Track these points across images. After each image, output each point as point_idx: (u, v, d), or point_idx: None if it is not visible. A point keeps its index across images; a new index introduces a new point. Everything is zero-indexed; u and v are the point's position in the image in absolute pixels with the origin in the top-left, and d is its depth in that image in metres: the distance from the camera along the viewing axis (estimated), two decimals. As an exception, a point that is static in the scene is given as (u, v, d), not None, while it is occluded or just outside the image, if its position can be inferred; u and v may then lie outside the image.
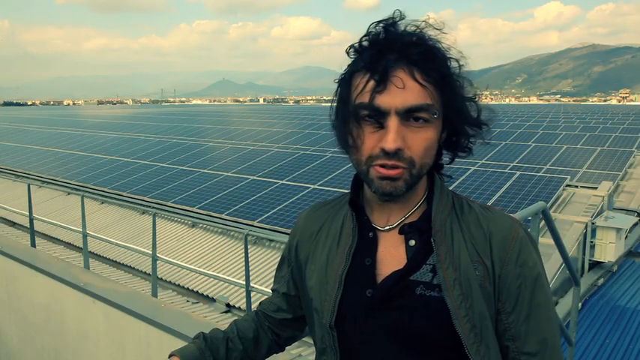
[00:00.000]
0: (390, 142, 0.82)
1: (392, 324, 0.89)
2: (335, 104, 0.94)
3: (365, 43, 0.88)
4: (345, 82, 0.90)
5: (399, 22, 0.87)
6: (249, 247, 5.20)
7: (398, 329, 0.89)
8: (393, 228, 0.95)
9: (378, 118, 0.84)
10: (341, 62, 0.92)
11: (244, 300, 5.16)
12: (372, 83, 0.84)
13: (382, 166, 0.85)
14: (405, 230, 0.93)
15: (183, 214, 8.00)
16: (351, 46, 0.90)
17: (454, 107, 0.88)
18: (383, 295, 0.90)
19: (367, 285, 0.92)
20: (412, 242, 0.92)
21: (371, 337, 0.91)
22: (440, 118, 0.87)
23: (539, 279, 0.91)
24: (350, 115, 0.87)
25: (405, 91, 0.82)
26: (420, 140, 0.85)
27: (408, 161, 0.85)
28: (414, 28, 0.86)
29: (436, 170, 0.98)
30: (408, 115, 0.83)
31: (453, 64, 0.88)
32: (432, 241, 0.90)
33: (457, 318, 0.85)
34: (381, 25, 0.87)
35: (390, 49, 0.84)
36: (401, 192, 0.87)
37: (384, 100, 0.83)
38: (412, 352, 0.89)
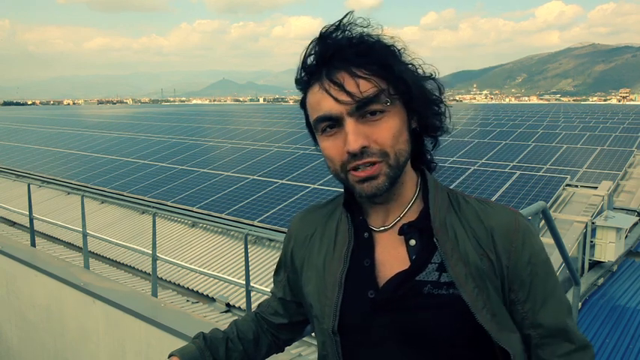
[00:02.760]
0: (352, 142, 0.83)
1: (400, 325, 0.88)
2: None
3: (308, 60, 0.90)
4: (303, 103, 0.94)
5: (334, 28, 0.88)
6: (249, 246, 5.20)
7: (407, 329, 0.88)
8: (390, 228, 0.94)
9: (337, 125, 0.86)
10: None
11: (244, 300, 5.16)
12: (319, 94, 0.86)
13: (356, 168, 0.86)
14: (405, 230, 0.92)
15: (183, 214, 8.00)
16: (299, 70, 0.92)
17: (406, 91, 0.87)
18: (389, 296, 0.89)
19: (368, 286, 0.91)
20: (412, 242, 0.91)
21: (377, 339, 0.90)
22: (397, 104, 0.87)
23: (547, 263, 0.93)
24: (316, 133, 0.91)
25: (350, 88, 0.83)
26: (384, 130, 0.85)
27: (380, 154, 0.85)
28: (344, 30, 0.88)
29: (422, 162, 0.98)
30: (362, 111, 0.84)
31: (394, 50, 0.88)
32: (435, 240, 0.89)
33: (477, 311, 0.86)
34: (315, 39, 0.89)
35: (327, 56, 0.86)
36: (384, 188, 0.87)
37: (332, 106, 0.84)
38: (421, 351, 0.89)
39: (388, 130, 0.85)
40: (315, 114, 0.88)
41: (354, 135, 0.83)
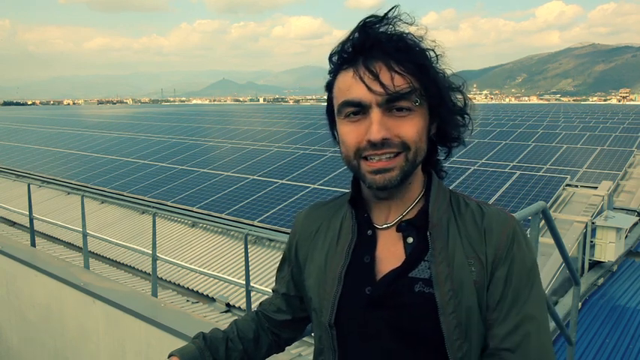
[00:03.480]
0: (375, 132, 0.84)
1: (392, 321, 0.89)
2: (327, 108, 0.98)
3: (345, 45, 0.90)
4: (330, 85, 0.94)
5: (377, 19, 0.89)
6: (249, 246, 5.20)
7: (398, 326, 0.89)
8: (392, 226, 0.95)
9: (362, 112, 0.86)
10: None
11: (244, 300, 5.16)
12: (351, 80, 0.87)
13: (371, 157, 0.86)
14: (403, 227, 0.93)
15: (183, 214, 8.00)
16: (333, 51, 0.92)
17: (436, 95, 0.89)
18: (381, 292, 0.90)
19: (366, 282, 0.92)
20: (410, 239, 0.92)
21: (371, 334, 0.92)
22: (424, 106, 0.88)
23: (529, 275, 0.90)
24: (337, 114, 0.91)
25: (384, 80, 0.84)
26: (408, 126, 0.86)
27: (401, 145, 0.86)
28: (387, 24, 0.88)
29: (432, 166, 1.00)
30: (390, 105, 0.85)
31: (431, 54, 0.90)
32: (429, 234, 0.91)
33: (444, 314, 0.86)
34: (357, 25, 0.90)
35: (367, 45, 0.87)
36: (395, 182, 0.87)
37: (364, 94, 0.85)
38: (413, 348, 0.89)
39: (412, 127, 0.87)
40: (343, 97, 0.88)
41: (378, 125, 0.84)
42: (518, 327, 0.87)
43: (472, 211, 0.94)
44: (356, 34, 0.89)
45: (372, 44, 0.87)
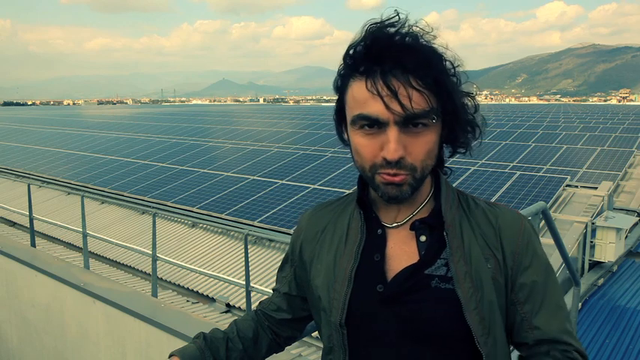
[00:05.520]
0: (392, 152, 0.84)
1: (407, 317, 0.90)
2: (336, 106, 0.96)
3: (360, 49, 0.87)
4: (342, 88, 0.92)
5: (394, 25, 0.87)
6: (249, 247, 5.20)
7: (413, 322, 0.90)
8: (402, 225, 0.96)
9: (378, 126, 0.85)
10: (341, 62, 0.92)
11: (244, 300, 5.15)
12: (368, 93, 0.85)
13: (386, 173, 0.87)
14: (416, 226, 0.94)
15: (183, 214, 8.00)
16: (348, 52, 0.89)
17: (451, 109, 0.89)
18: (396, 289, 0.91)
19: (377, 281, 0.93)
20: (423, 238, 0.94)
21: (383, 332, 0.92)
22: (439, 120, 0.89)
23: (549, 268, 0.95)
24: (350, 122, 0.90)
25: (403, 99, 0.82)
26: (421, 144, 0.87)
27: (410, 167, 0.87)
28: (406, 33, 0.86)
29: (439, 166, 1.01)
30: (408, 122, 0.84)
31: (448, 65, 0.89)
32: (445, 234, 0.92)
33: (467, 310, 0.88)
34: (374, 30, 0.87)
35: (385, 56, 0.84)
36: (406, 195, 0.89)
37: (381, 111, 0.84)
38: (426, 344, 0.90)
39: (425, 145, 0.87)
40: (359, 110, 0.86)
41: (395, 144, 0.84)
42: (551, 318, 0.92)
43: (483, 210, 0.96)
44: (371, 41, 0.86)
45: (390, 55, 0.84)
